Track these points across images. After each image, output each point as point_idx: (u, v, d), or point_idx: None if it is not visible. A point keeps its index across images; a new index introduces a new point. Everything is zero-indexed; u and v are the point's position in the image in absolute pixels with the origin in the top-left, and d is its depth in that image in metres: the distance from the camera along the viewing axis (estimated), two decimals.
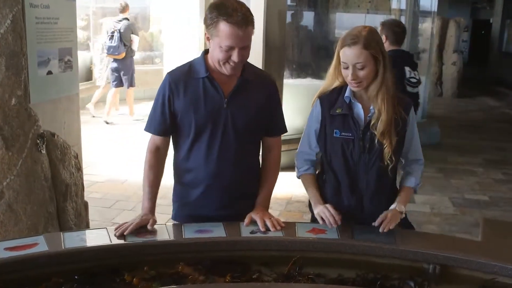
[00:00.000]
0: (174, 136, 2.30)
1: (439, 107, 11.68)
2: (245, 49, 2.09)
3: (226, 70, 2.12)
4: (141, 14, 13.33)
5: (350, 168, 2.21)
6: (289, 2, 7.26)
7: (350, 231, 2.11)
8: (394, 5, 9.35)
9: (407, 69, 4.11)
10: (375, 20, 9.02)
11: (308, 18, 8.47)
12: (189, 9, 6.22)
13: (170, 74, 2.25)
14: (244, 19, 2.01)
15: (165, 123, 2.23)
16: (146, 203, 2.21)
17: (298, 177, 2.40)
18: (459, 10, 19.85)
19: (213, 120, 2.18)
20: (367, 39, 2.07)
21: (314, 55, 8.24)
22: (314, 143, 2.31)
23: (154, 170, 2.27)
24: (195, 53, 5.93)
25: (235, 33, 2.01)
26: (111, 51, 8.58)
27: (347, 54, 2.09)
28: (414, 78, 4.14)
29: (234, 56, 2.06)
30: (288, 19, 7.11)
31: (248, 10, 2.07)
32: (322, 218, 2.13)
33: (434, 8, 9.01)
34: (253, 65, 2.36)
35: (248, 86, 2.22)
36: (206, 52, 2.22)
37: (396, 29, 4.27)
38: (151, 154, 2.28)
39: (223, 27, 2.01)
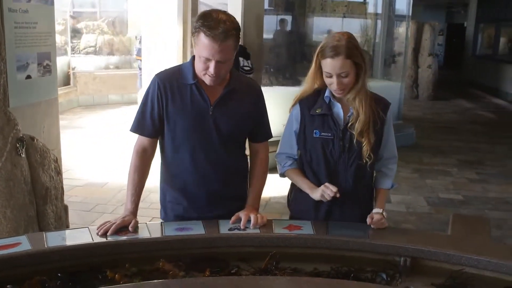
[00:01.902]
0: (161, 140, 2.32)
1: (415, 109, 11.88)
2: (223, 63, 2.10)
3: (206, 80, 2.16)
4: (119, 18, 13.30)
5: (330, 166, 2.27)
6: (266, 7, 7.33)
7: (325, 227, 2.18)
8: (370, 9, 9.50)
9: (241, 59, 5.12)
10: (352, 24, 9.17)
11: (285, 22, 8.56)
12: (167, 13, 6.24)
13: (159, 76, 2.27)
14: (223, 33, 2.02)
15: (154, 124, 2.25)
16: (129, 204, 2.24)
17: (282, 174, 2.43)
18: (434, 14, 20.22)
19: (199, 126, 2.22)
20: (348, 48, 2.12)
21: (291, 59, 8.33)
22: (294, 144, 2.35)
23: (139, 172, 2.28)
24: (174, 57, 5.99)
25: (211, 46, 2.03)
26: (136, 52, 9.60)
27: (331, 65, 2.13)
28: (247, 66, 5.19)
29: (211, 68, 2.08)
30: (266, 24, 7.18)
31: (232, 23, 2.08)
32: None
33: (409, 12, 9.18)
34: (240, 73, 2.40)
35: (234, 94, 2.25)
36: (194, 58, 2.23)
37: None
38: (137, 156, 2.29)
39: (202, 38, 2.04)
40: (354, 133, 2.20)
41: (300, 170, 2.38)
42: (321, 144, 2.25)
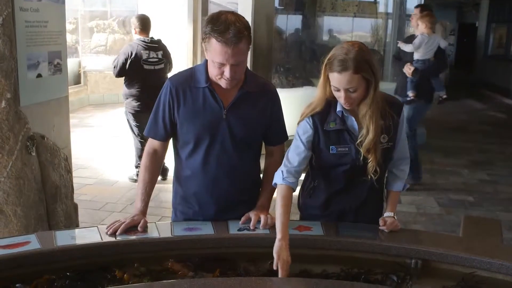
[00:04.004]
0: (174, 143, 2.33)
1: None
2: (237, 65, 2.08)
3: (222, 84, 2.14)
4: (128, 19, 13.33)
5: (346, 177, 2.21)
6: (277, 6, 7.32)
7: (335, 228, 2.17)
8: (380, 8, 9.47)
9: (144, 52, 5.44)
10: (362, 24, 9.15)
11: (295, 21, 8.55)
12: (177, 13, 6.25)
13: (171, 80, 2.27)
14: (235, 36, 1.98)
15: (165, 128, 2.26)
16: (138, 203, 2.24)
17: (275, 184, 2.20)
18: (446, 13, 20.04)
19: (212, 130, 2.21)
20: (357, 61, 1.97)
21: (301, 59, 8.31)
22: (302, 156, 2.19)
23: (150, 172, 2.29)
24: (183, 57, 6.00)
25: (224, 51, 2.01)
26: None
27: (338, 80, 2.01)
28: (155, 58, 5.51)
29: (226, 72, 2.06)
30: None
31: (243, 24, 2.04)
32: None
33: None
34: (255, 74, 2.37)
35: (248, 98, 2.22)
36: (207, 61, 2.19)
37: (144, 21, 5.59)
38: (148, 157, 2.31)
39: (214, 44, 2.02)
40: (361, 150, 2.11)
41: (290, 198, 2.14)
42: (338, 158, 2.18)
